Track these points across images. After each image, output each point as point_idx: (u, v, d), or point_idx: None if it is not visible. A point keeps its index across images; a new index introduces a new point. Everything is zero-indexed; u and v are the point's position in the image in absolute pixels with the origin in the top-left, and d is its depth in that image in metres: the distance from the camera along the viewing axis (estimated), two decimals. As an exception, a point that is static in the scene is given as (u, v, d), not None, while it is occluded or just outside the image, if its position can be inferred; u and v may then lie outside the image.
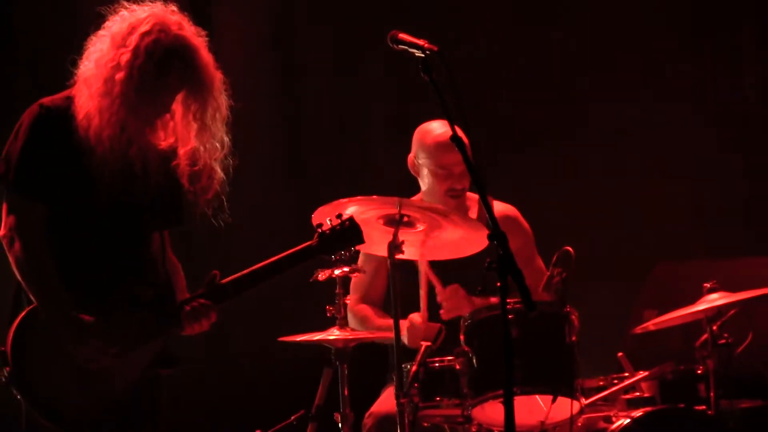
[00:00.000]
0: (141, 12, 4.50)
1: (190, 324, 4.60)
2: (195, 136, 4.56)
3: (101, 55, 4.47)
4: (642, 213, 7.44)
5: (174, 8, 4.54)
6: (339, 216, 4.82)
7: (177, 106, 4.58)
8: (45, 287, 4.43)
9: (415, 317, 5.53)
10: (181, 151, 4.59)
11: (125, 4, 4.53)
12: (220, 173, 4.63)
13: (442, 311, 5.55)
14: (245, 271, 4.68)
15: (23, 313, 4.42)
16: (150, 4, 4.53)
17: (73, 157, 4.46)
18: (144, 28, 4.44)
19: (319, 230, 4.79)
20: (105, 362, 4.45)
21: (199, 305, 4.59)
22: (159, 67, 4.45)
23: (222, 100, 4.58)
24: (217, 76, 4.57)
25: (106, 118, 4.44)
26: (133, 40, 4.42)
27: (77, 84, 4.52)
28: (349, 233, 4.80)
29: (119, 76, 4.43)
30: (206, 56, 4.53)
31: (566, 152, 7.48)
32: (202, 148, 4.58)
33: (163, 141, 4.61)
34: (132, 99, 4.44)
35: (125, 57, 4.42)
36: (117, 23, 4.50)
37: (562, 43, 7.57)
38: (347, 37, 7.53)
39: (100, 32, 4.53)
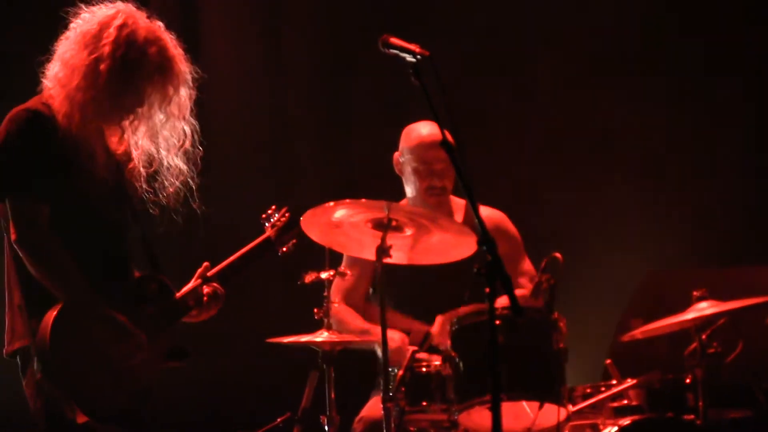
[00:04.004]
0: (106, 9, 4.57)
1: (206, 310, 4.79)
2: (158, 128, 4.64)
3: (74, 54, 4.51)
4: (632, 220, 7.43)
5: (132, 5, 4.62)
6: (278, 209, 5.08)
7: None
8: (77, 287, 4.42)
9: (394, 336, 5.53)
10: (135, 154, 4.67)
11: (82, 6, 4.59)
12: (181, 165, 4.71)
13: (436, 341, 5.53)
14: (225, 263, 4.88)
15: (56, 312, 4.37)
16: (109, 2, 4.60)
17: (64, 155, 4.48)
18: (118, 21, 4.51)
19: (271, 222, 5.08)
20: (136, 359, 4.50)
21: (213, 290, 4.79)
22: (140, 57, 4.51)
23: (188, 91, 4.66)
24: (187, 68, 4.65)
25: (91, 111, 4.49)
26: (112, 32, 4.48)
27: (51, 88, 4.55)
28: (293, 223, 5.07)
29: (104, 66, 4.47)
30: (176, 48, 4.62)
31: (556, 158, 7.47)
32: (156, 146, 4.67)
33: (118, 148, 4.70)
34: (117, 89, 4.50)
35: (107, 48, 4.47)
36: (83, 24, 4.55)
37: (549, 51, 7.55)
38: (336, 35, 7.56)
39: (66, 35, 4.58)
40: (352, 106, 7.55)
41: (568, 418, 5.12)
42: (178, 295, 4.75)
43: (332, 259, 5.34)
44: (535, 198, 7.37)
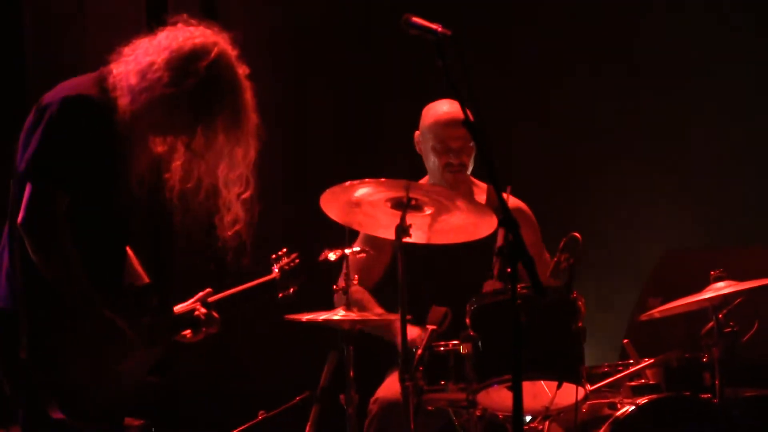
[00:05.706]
0: (204, 35, 4.43)
1: (198, 335, 4.74)
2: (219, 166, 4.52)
3: (154, 68, 4.37)
4: (650, 200, 7.43)
5: (227, 38, 4.48)
6: (288, 252, 5.12)
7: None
8: (79, 284, 4.33)
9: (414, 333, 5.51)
10: (174, 165, 4.57)
11: (185, 17, 4.45)
12: (240, 212, 4.57)
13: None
14: (226, 293, 4.87)
15: (55, 304, 4.32)
16: (207, 27, 4.46)
17: (103, 152, 4.38)
18: (210, 57, 4.38)
19: (279, 264, 5.09)
20: (125, 365, 4.45)
21: (210, 316, 4.75)
22: (215, 104, 4.40)
23: (252, 142, 4.52)
24: (255, 119, 4.51)
25: (147, 127, 4.42)
26: (200, 69, 4.36)
27: (119, 85, 4.39)
28: (300, 271, 5.10)
29: (182, 103, 4.37)
30: (252, 99, 4.50)
31: (575, 139, 7.47)
32: (202, 167, 4.54)
33: (157, 147, 4.60)
34: (181, 121, 4.42)
35: (190, 86, 4.35)
36: (177, 38, 4.41)
37: (565, 33, 7.54)
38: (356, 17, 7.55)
39: (155, 40, 4.43)
40: (379, 90, 7.55)
41: (586, 397, 5.12)
42: (176, 311, 4.69)
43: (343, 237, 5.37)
44: (553, 177, 7.37)
